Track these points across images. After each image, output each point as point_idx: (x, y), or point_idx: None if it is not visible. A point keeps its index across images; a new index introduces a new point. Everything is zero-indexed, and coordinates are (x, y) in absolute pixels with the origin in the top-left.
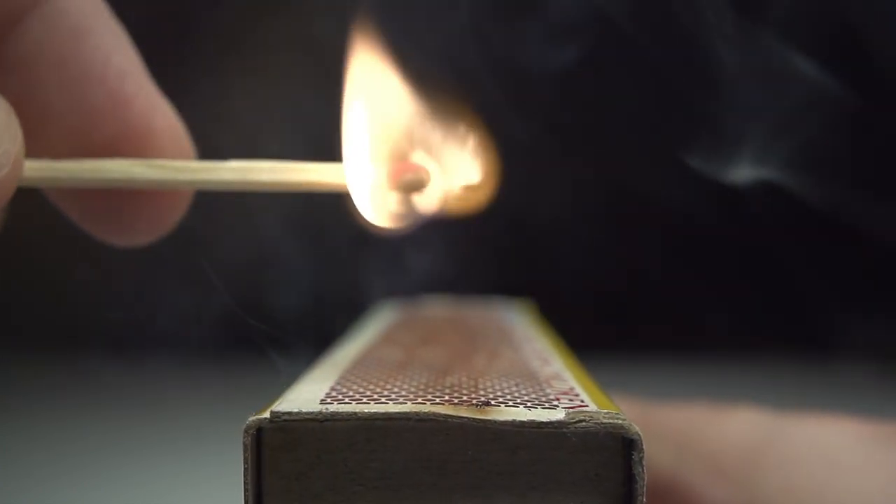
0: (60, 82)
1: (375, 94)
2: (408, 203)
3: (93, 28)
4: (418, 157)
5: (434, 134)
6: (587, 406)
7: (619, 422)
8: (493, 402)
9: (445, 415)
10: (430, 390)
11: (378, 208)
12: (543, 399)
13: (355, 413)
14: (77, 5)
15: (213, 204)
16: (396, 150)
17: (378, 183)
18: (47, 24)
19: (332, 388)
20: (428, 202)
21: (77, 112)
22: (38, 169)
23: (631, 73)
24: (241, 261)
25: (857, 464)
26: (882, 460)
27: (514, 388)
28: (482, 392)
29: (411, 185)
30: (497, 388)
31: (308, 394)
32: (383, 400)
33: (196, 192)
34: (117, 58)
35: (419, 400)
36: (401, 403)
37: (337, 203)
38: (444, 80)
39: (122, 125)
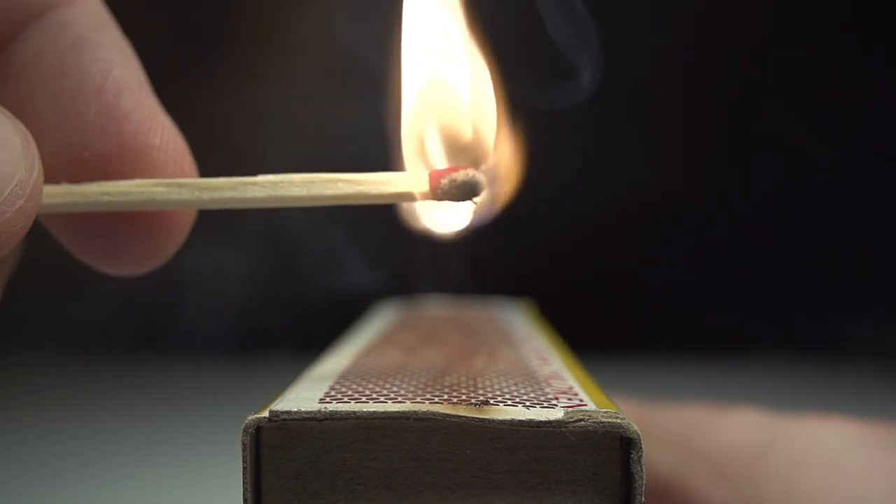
0: (55, 95)
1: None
2: (454, 209)
3: (94, 41)
4: (467, 157)
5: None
6: (586, 405)
7: (618, 421)
8: (491, 402)
9: (444, 414)
10: (429, 389)
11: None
12: (542, 398)
13: (354, 412)
14: (79, 18)
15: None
16: (443, 148)
17: (421, 192)
18: (47, 35)
19: (331, 388)
20: (479, 206)
21: (70, 126)
22: (56, 195)
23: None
24: (241, 261)
25: (858, 467)
26: (883, 463)
27: (512, 388)
28: (481, 391)
29: (464, 191)
30: (496, 387)
31: (307, 393)
32: (382, 399)
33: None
34: (116, 72)
35: (418, 399)
36: (399, 403)
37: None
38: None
39: (117, 141)
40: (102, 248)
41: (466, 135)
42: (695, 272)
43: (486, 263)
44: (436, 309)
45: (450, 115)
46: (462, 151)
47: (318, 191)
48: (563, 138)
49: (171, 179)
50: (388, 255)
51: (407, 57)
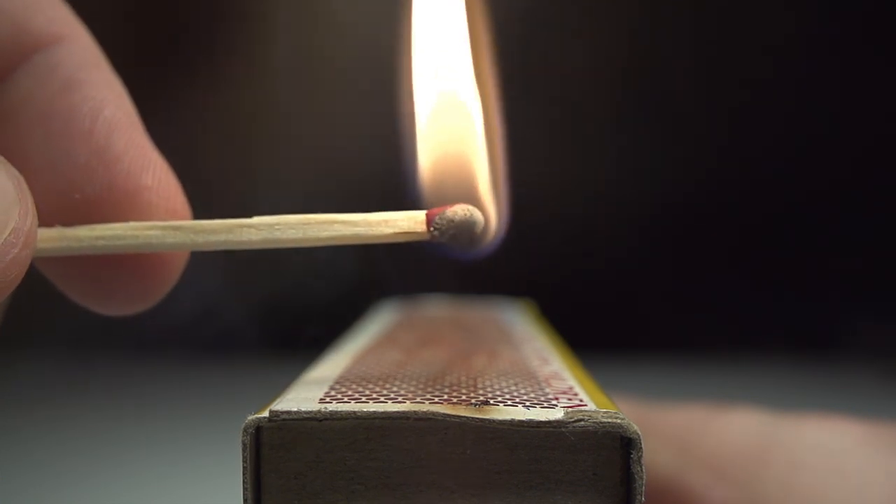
0: (45, 137)
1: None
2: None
3: (84, 81)
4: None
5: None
6: (586, 405)
7: (618, 421)
8: (491, 402)
9: (444, 414)
10: (429, 390)
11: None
12: (542, 398)
13: (354, 412)
14: (70, 57)
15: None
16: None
17: (419, 233)
18: (37, 76)
19: (332, 388)
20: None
21: (61, 168)
22: (50, 239)
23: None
24: (241, 261)
25: (859, 467)
26: (883, 463)
27: (512, 388)
28: (481, 391)
29: (462, 231)
30: (496, 387)
31: (307, 393)
32: (382, 399)
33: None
34: (107, 112)
35: (418, 399)
36: (399, 403)
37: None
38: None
39: (108, 183)
40: (94, 290)
41: (472, 173)
42: (695, 272)
43: (487, 264)
44: (436, 309)
45: (457, 153)
46: (464, 190)
47: (313, 233)
48: (562, 138)
49: (165, 222)
50: (388, 255)
51: (415, 91)
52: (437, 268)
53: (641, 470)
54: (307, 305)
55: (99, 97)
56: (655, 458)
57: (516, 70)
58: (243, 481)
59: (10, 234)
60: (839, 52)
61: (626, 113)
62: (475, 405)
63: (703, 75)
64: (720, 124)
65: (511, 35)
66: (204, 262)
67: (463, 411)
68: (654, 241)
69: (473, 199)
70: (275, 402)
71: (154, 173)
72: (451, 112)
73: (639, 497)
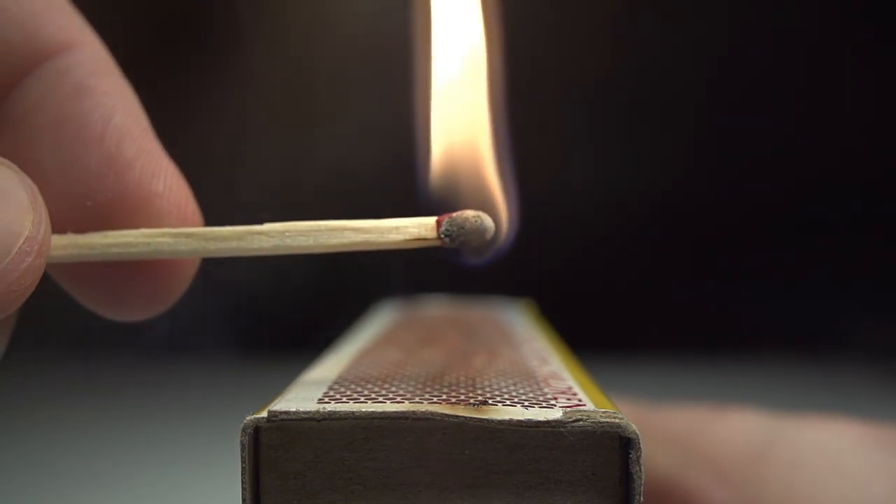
0: (55, 143)
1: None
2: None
3: (95, 87)
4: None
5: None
6: (585, 405)
7: (617, 420)
8: (490, 401)
9: (443, 414)
10: (428, 389)
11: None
12: (541, 398)
13: (353, 412)
14: (81, 64)
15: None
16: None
17: (429, 239)
18: (47, 82)
19: (330, 388)
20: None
21: (72, 175)
22: (62, 246)
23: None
24: (241, 261)
25: (858, 468)
26: (883, 464)
27: (511, 387)
28: (480, 391)
29: (474, 236)
30: (495, 387)
31: (306, 393)
32: (381, 399)
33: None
34: (118, 118)
35: (417, 399)
36: (398, 403)
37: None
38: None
39: (119, 189)
40: (106, 296)
41: (482, 178)
42: (694, 272)
43: (487, 264)
44: (436, 309)
45: (470, 158)
46: (477, 193)
47: (324, 240)
48: (562, 139)
49: (177, 229)
50: (388, 255)
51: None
52: (438, 268)
53: (640, 470)
54: (306, 306)
55: (109, 104)
56: (655, 458)
57: (520, 75)
58: (242, 481)
59: (24, 243)
60: (836, 50)
61: (628, 114)
62: (474, 405)
63: (703, 76)
64: (721, 125)
65: (515, 40)
66: (204, 262)
67: (462, 411)
68: (654, 241)
69: (483, 205)
70: (273, 403)
71: (165, 180)
72: (461, 117)
73: (637, 497)
